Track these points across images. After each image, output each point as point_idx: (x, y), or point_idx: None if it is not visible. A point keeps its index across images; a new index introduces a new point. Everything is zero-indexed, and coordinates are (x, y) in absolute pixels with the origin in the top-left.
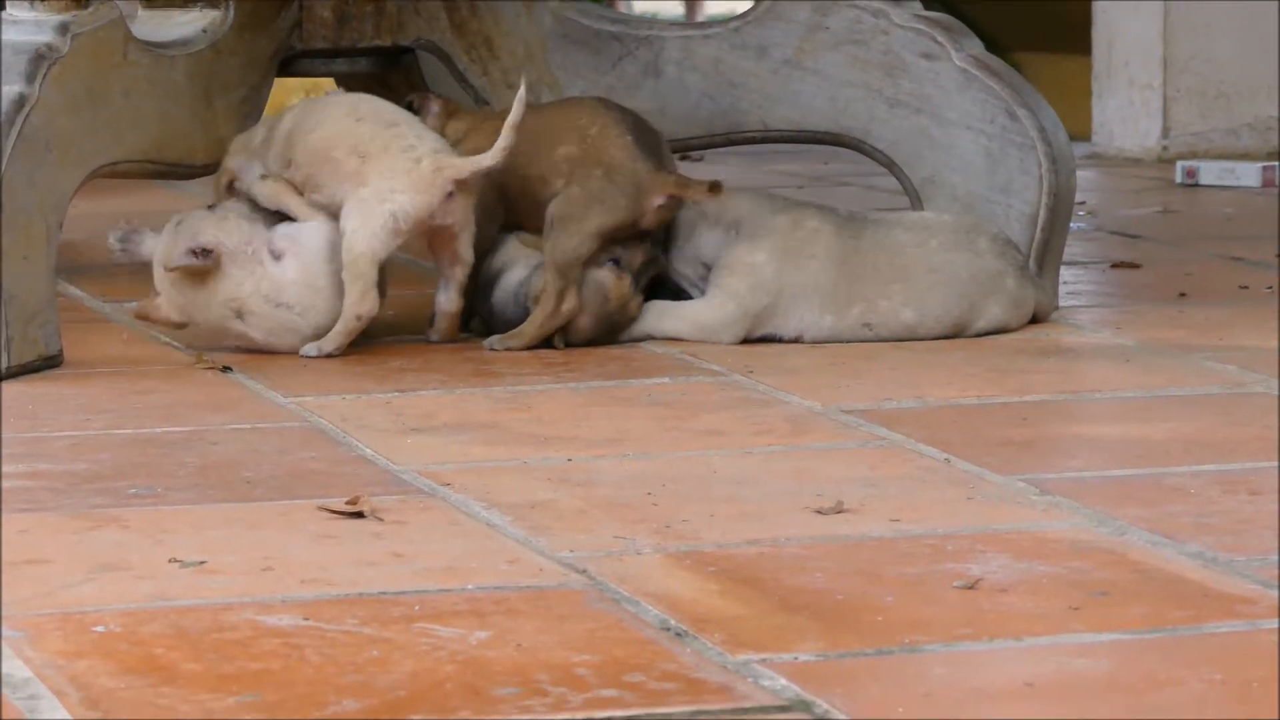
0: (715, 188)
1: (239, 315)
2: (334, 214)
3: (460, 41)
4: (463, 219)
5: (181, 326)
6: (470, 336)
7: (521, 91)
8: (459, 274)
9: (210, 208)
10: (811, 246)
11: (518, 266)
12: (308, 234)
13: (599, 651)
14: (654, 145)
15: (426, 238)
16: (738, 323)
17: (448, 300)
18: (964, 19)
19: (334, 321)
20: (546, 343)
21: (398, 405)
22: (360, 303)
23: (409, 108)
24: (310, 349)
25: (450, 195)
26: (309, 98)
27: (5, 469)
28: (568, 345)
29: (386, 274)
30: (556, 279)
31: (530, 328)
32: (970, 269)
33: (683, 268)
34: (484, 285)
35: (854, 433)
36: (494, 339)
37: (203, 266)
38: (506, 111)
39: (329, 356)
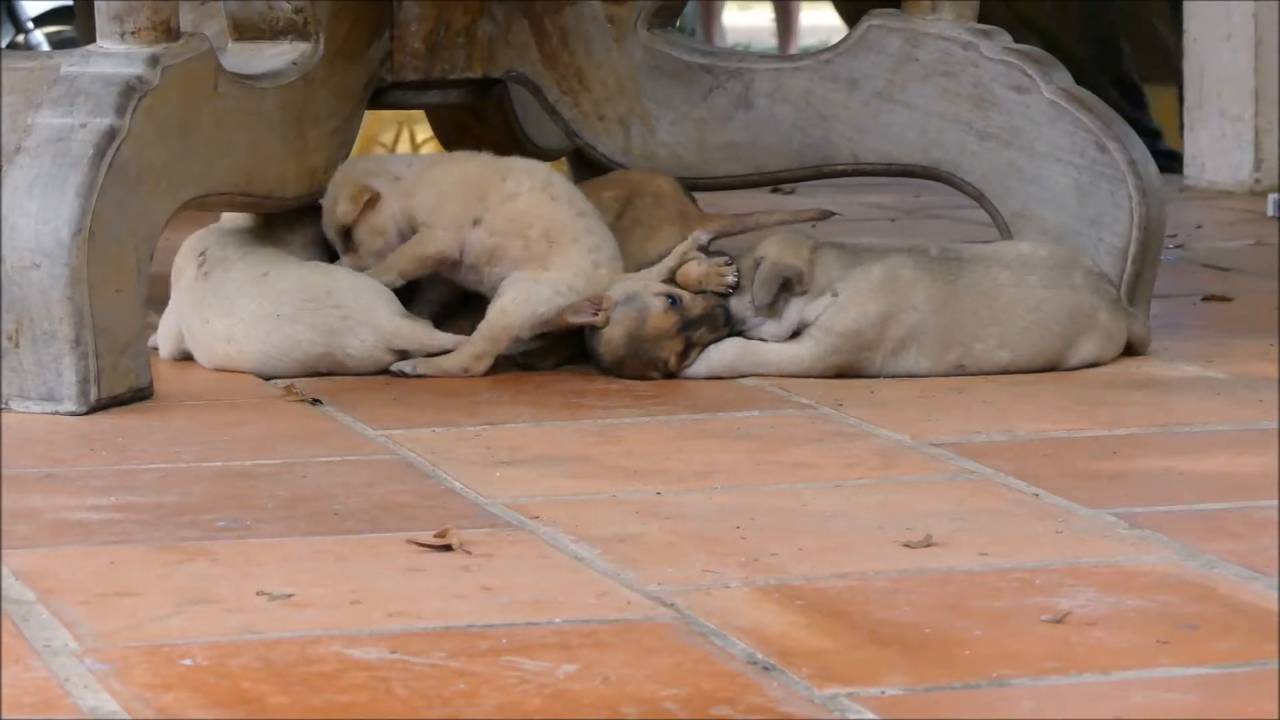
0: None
1: None
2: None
3: (551, 73)
4: None
5: None
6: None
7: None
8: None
9: None
10: (911, 297)
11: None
12: None
13: (686, 685)
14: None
15: None
16: (834, 370)
17: None
18: (1055, 49)
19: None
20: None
21: (486, 438)
22: (475, 363)
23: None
24: (405, 366)
25: None
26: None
27: (94, 501)
28: (598, 359)
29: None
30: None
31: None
32: (1067, 306)
33: (778, 329)
34: None
35: (943, 466)
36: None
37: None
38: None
39: (417, 376)
